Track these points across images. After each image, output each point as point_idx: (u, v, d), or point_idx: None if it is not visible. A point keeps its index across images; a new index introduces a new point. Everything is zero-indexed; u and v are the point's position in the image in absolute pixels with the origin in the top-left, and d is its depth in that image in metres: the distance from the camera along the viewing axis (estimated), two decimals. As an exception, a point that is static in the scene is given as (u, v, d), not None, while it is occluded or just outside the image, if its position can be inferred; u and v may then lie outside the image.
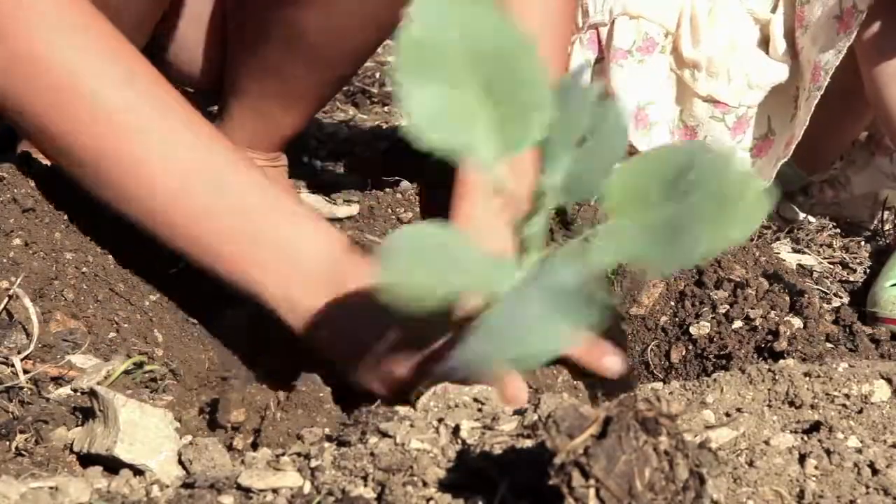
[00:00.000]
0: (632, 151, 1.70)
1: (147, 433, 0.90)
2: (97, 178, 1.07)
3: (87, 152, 1.06)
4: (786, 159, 1.68)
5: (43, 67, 1.04)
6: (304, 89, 1.56)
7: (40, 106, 1.05)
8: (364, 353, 1.01)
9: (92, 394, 0.93)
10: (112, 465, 0.90)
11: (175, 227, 1.07)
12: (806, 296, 1.32)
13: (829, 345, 1.26)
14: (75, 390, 1.01)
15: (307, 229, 1.06)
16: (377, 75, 3.03)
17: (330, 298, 1.01)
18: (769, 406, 0.87)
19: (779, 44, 1.71)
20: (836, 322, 1.31)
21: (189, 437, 0.95)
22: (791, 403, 0.87)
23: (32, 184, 1.20)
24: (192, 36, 1.61)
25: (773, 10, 1.74)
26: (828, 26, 1.64)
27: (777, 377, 0.89)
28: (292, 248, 1.04)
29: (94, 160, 1.06)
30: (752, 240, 1.59)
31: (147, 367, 1.08)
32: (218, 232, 1.05)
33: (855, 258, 1.65)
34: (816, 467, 0.77)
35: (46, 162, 1.24)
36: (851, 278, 1.58)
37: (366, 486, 0.75)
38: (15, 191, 1.19)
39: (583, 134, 0.81)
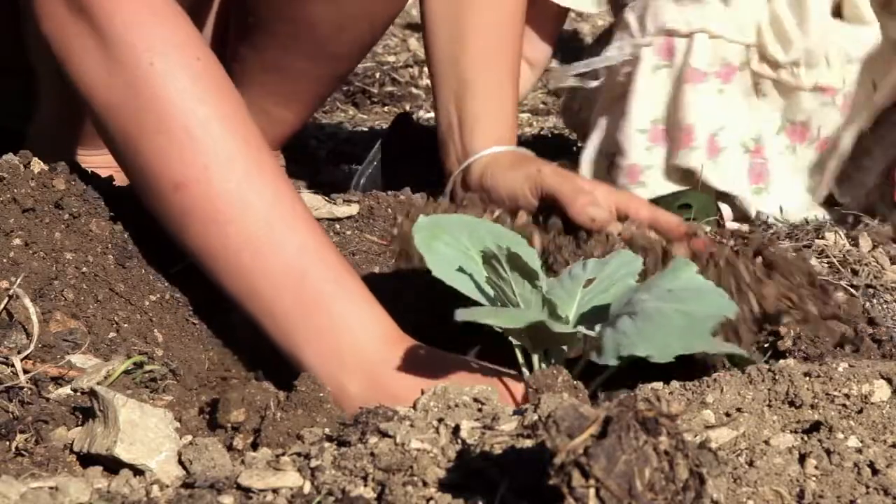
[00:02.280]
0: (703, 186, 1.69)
1: (147, 433, 0.90)
2: (180, 220, 1.09)
3: (180, 203, 1.07)
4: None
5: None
6: (305, 86, 1.56)
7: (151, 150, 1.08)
8: None
9: (92, 394, 0.93)
10: (112, 466, 0.90)
11: (239, 276, 1.07)
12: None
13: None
14: (75, 390, 1.01)
15: (362, 312, 1.06)
16: (377, 75, 3.03)
17: (367, 392, 1.01)
18: (769, 406, 0.87)
19: (862, 4, 1.71)
20: (836, 322, 1.31)
21: (189, 437, 0.95)
22: (791, 403, 0.86)
23: (32, 184, 1.20)
24: None
25: None
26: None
27: (777, 377, 0.89)
28: (343, 328, 1.04)
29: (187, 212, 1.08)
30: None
31: (147, 367, 1.08)
32: (273, 289, 1.06)
33: (856, 258, 1.65)
34: (816, 467, 0.76)
35: (45, 166, 1.24)
36: (853, 279, 1.58)
37: (366, 486, 0.75)
38: (15, 191, 1.19)
39: (588, 279, 1.04)
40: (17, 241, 1.15)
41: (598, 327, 0.99)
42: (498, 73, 1.48)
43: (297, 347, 1.05)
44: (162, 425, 0.91)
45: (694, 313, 0.91)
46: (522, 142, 2.46)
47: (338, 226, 1.47)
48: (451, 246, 1.04)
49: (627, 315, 0.93)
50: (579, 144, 2.01)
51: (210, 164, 1.06)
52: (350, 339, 1.04)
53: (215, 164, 1.06)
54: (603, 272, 1.06)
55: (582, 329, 0.99)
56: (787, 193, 1.76)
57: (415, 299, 1.34)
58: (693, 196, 1.83)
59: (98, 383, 1.00)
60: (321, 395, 0.98)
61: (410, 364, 1.02)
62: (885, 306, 1.42)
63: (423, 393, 0.88)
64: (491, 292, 1.02)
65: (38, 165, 1.24)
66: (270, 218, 1.06)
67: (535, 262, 1.04)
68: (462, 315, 0.93)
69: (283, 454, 0.84)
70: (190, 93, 1.07)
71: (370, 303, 1.07)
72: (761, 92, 1.75)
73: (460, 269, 1.03)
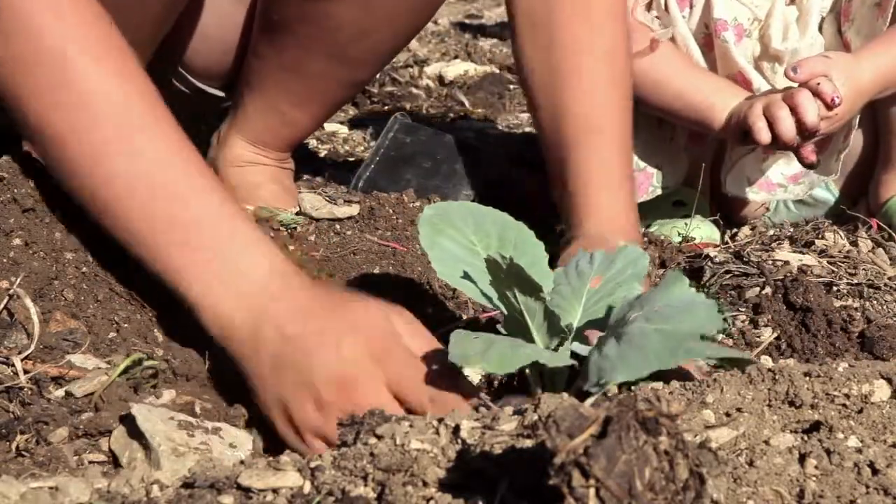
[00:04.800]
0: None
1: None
2: (60, 160, 1.06)
3: (54, 130, 1.04)
4: (847, 150, 1.73)
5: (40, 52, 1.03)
6: (322, 88, 1.56)
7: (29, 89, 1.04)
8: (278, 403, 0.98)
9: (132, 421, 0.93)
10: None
11: (120, 219, 1.05)
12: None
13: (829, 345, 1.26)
14: (70, 392, 1.01)
15: (251, 247, 1.03)
16: (377, 75, 3.03)
17: (250, 326, 0.99)
18: (769, 406, 0.87)
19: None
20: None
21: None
22: (791, 403, 0.86)
23: (32, 184, 1.20)
24: (212, 30, 1.61)
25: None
26: (869, 15, 1.68)
27: (777, 377, 0.89)
28: (231, 262, 1.02)
29: (60, 141, 1.05)
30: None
31: (147, 364, 1.08)
32: (162, 230, 1.03)
33: (855, 258, 1.65)
34: (816, 467, 0.76)
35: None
36: (853, 279, 1.58)
37: (366, 486, 0.75)
38: (15, 191, 1.19)
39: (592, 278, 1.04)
40: (17, 241, 1.15)
41: (593, 345, 0.99)
42: (599, 150, 1.36)
43: (181, 285, 1.03)
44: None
45: (673, 332, 0.91)
46: (522, 140, 2.46)
47: (338, 226, 1.47)
48: (455, 241, 1.03)
49: (615, 338, 0.93)
50: None
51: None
52: (238, 276, 1.02)
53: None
54: (609, 272, 1.06)
55: (578, 349, 0.99)
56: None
57: (414, 299, 1.35)
58: (687, 193, 1.83)
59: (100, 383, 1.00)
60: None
61: (299, 302, 1.00)
62: (884, 306, 1.42)
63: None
64: (495, 295, 1.01)
65: (38, 165, 1.24)
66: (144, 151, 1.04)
67: (540, 265, 1.03)
68: (455, 357, 0.92)
69: (283, 454, 0.84)
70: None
71: (256, 235, 1.05)
72: (760, 69, 1.76)
73: (465, 270, 1.02)
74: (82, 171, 1.05)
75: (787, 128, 1.58)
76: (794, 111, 1.58)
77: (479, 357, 0.92)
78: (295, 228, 1.46)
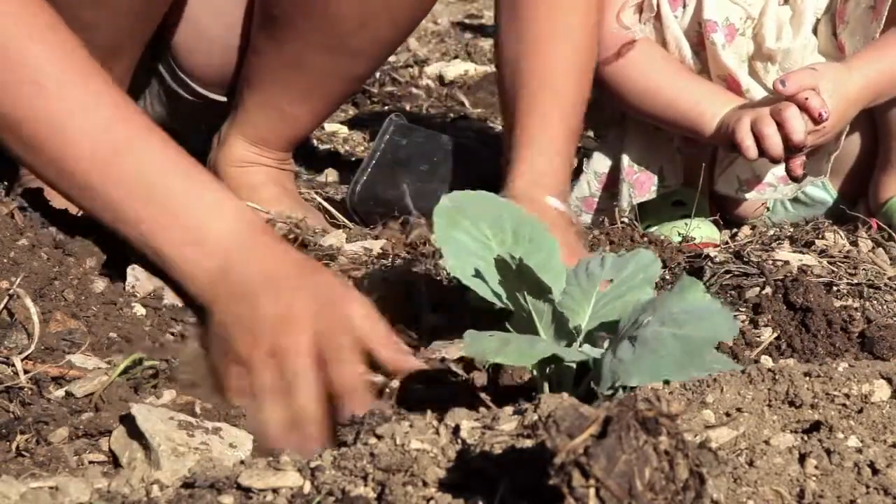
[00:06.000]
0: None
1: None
2: (20, 142, 1.09)
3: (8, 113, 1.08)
4: (837, 151, 1.73)
5: None
6: (322, 82, 1.56)
7: None
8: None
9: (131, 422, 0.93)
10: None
11: (86, 188, 1.09)
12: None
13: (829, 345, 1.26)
14: (70, 392, 1.01)
15: (215, 200, 1.09)
16: (377, 75, 3.03)
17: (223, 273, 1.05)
18: (769, 406, 0.87)
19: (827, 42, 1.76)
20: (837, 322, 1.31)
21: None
22: (791, 403, 0.86)
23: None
24: (214, 30, 1.61)
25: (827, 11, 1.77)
26: (864, 18, 1.68)
27: (777, 377, 0.89)
28: (197, 214, 1.08)
29: (16, 122, 1.08)
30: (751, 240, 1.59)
31: (147, 364, 1.08)
32: (125, 190, 1.08)
33: (855, 258, 1.65)
34: (816, 467, 0.77)
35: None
36: (853, 279, 1.58)
37: (366, 486, 0.75)
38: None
39: (606, 280, 1.05)
40: (23, 242, 1.15)
41: (605, 345, 0.99)
42: (543, 111, 1.46)
43: (151, 238, 1.09)
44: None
45: (690, 337, 0.90)
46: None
47: (338, 226, 1.47)
48: (470, 234, 1.02)
49: (629, 340, 0.93)
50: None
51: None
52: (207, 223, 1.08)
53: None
54: (620, 275, 1.05)
55: (589, 350, 0.99)
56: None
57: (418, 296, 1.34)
58: (687, 193, 1.83)
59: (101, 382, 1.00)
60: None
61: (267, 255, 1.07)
62: (884, 306, 1.42)
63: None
64: (505, 293, 1.01)
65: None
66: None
67: (554, 262, 1.02)
68: (472, 352, 0.93)
69: (283, 454, 0.84)
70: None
71: (221, 187, 1.12)
72: (753, 68, 1.77)
73: (475, 268, 1.01)
74: (43, 147, 1.09)
75: (775, 144, 1.59)
76: (781, 127, 1.58)
77: (496, 352, 0.92)
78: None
